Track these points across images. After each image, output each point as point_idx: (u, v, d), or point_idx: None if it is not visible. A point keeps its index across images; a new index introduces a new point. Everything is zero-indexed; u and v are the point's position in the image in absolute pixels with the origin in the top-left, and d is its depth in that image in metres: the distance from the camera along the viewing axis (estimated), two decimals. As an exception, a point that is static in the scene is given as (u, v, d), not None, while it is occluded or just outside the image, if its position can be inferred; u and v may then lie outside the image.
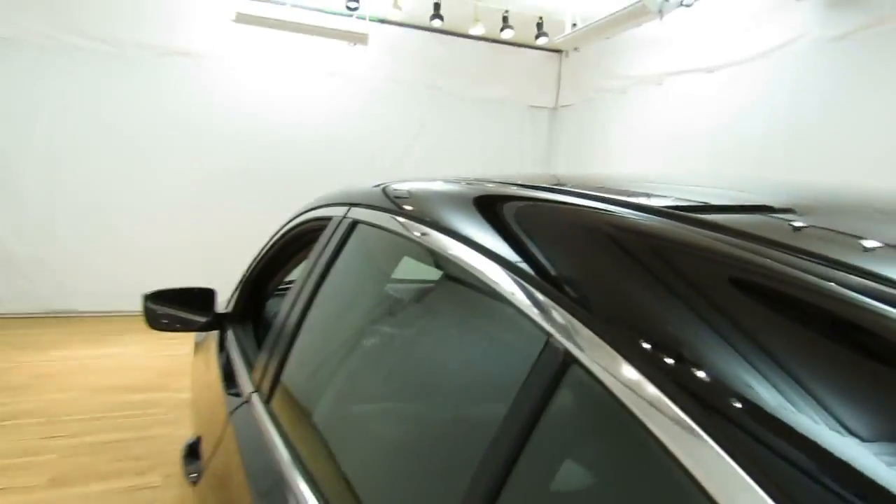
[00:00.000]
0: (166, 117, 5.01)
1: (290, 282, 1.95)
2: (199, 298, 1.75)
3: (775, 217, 0.60)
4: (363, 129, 5.72)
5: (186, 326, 1.75)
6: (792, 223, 0.56)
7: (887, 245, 0.47)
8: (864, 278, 0.38)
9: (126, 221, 5.00)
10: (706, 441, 0.33)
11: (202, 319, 1.73)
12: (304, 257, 1.66)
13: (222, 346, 1.65)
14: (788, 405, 0.32)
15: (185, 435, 2.75)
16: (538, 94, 6.40)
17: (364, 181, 1.20)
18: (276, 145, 5.40)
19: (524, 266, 0.55)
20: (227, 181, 5.25)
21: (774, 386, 0.33)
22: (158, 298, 1.72)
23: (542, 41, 5.44)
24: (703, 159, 4.37)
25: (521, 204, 0.72)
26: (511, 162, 6.27)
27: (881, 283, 0.37)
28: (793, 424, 0.31)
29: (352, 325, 1.04)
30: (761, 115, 3.95)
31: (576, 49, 5.99)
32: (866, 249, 0.45)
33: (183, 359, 3.69)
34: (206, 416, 1.45)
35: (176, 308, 1.72)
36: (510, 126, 6.33)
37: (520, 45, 6.05)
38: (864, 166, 3.20)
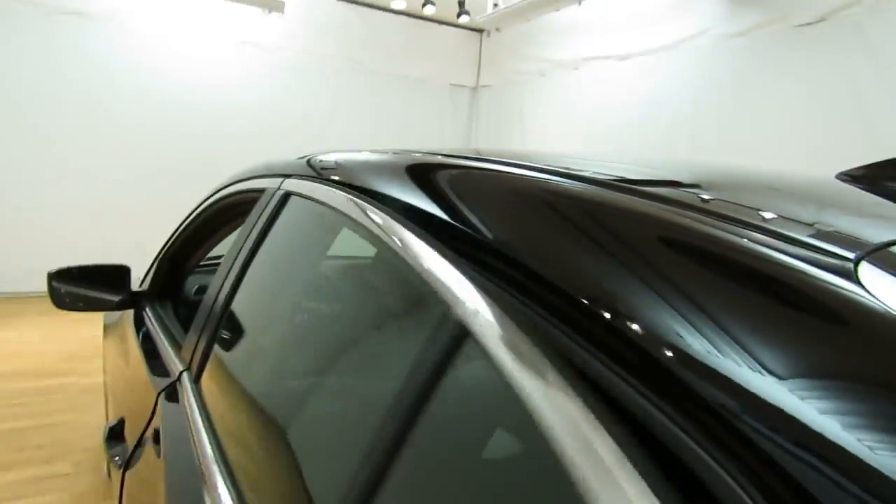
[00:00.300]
0: (57, 84, 4.59)
1: (214, 257, 1.89)
2: (112, 276, 1.66)
3: (686, 188, 0.65)
4: (278, 103, 5.52)
5: (99, 306, 1.66)
6: (701, 194, 0.61)
7: (782, 213, 0.52)
8: (767, 235, 0.42)
9: (14, 196, 4.58)
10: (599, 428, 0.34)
11: (116, 298, 1.64)
12: (229, 232, 1.62)
13: (139, 326, 1.59)
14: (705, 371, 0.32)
15: (94, 421, 2.61)
16: (459, 73, 6.43)
17: (296, 152, 1.17)
18: (183, 117, 5.10)
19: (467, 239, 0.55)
20: (126, 153, 4.91)
21: (684, 355, 0.34)
22: (66, 277, 1.62)
23: (463, 20, 5.46)
24: (614, 142, 4.59)
25: (459, 173, 0.73)
26: (432, 140, 6.29)
27: (784, 241, 0.42)
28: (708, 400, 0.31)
29: (288, 300, 1.03)
30: (668, 102, 4.20)
31: (497, 29, 6.07)
32: (767, 216, 0.50)
33: (88, 342, 3.47)
34: (129, 397, 1.39)
35: (87, 287, 1.62)
36: (431, 104, 6.33)
37: (441, 23, 6.04)
38: (755, 151, 3.51)
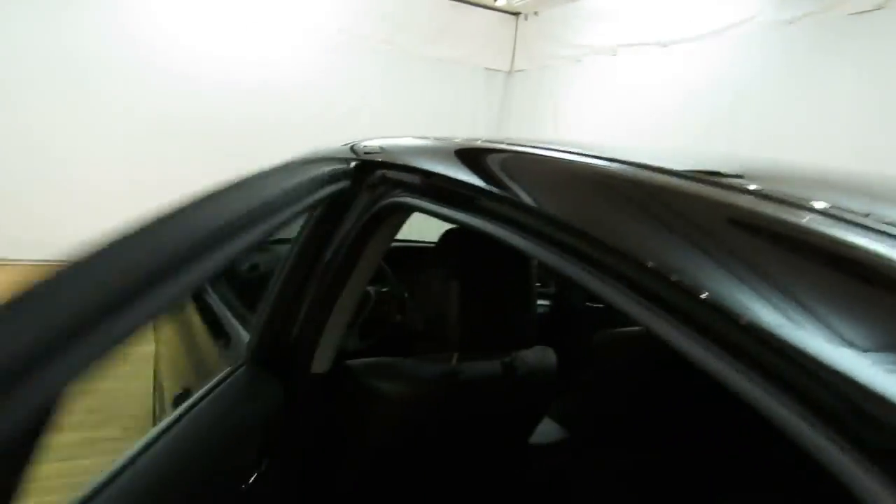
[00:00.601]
0: (94, 59, 4.68)
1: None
2: None
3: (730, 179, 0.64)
4: (312, 84, 5.53)
5: None
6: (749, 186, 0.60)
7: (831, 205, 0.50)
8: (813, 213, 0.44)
9: (53, 167, 4.71)
10: None
11: None
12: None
13: (197, 300, 1.64)
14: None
15: (137, 389, 2.69)
16: (494, 57, 6.36)
17: (333, 134, 1.18)
18: (218, 95, 5.14)
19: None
20: (162, 129, 4.98)
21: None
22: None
23: (500, 2, 5.41)
24: (650, 132, 4.51)
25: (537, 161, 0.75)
26: (465, 124, 6.25)
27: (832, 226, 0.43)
28: None
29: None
30: (710, 92, 4.12)
31: (535, 13, 5.99)
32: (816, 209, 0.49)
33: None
34: (192, 369, 1.45)
35: None
36: (465, 87, 6.28)
37: (477, 5, 5.99)
38: (802, 147, 3.42)
